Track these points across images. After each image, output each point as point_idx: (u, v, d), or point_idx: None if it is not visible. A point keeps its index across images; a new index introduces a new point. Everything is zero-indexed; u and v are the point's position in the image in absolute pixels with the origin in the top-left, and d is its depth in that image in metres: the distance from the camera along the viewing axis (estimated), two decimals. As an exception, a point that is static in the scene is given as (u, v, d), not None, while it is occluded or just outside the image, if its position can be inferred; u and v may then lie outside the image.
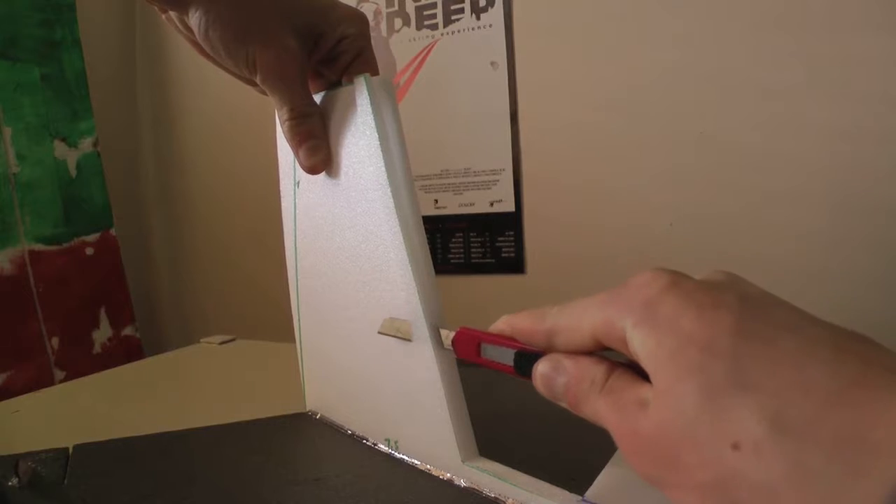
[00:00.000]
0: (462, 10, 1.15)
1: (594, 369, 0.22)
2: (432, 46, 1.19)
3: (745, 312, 0.19)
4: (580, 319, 0.23)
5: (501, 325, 0.27)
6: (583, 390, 0.22)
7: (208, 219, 1.57)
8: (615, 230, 1.06)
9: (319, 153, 0.35)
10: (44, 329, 1.27)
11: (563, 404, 0.24)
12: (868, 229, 0.89)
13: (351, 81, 0.34)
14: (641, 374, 0.21)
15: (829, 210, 0.91)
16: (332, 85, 0.37)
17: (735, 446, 0.17)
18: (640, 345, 0.20)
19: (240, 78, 0.36)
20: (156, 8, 0.34)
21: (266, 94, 0.35)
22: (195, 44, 0.35)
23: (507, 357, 0.26)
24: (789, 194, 0.93)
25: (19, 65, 1.26)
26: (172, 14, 0.34)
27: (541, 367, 0.24)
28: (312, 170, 0.35)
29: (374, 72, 0.36)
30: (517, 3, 1.11)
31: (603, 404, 0.22)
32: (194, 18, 0.32)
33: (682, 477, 0.18)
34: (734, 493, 0.17)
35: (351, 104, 0.33)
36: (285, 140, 0.36)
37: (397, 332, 0.33)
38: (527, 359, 0.25)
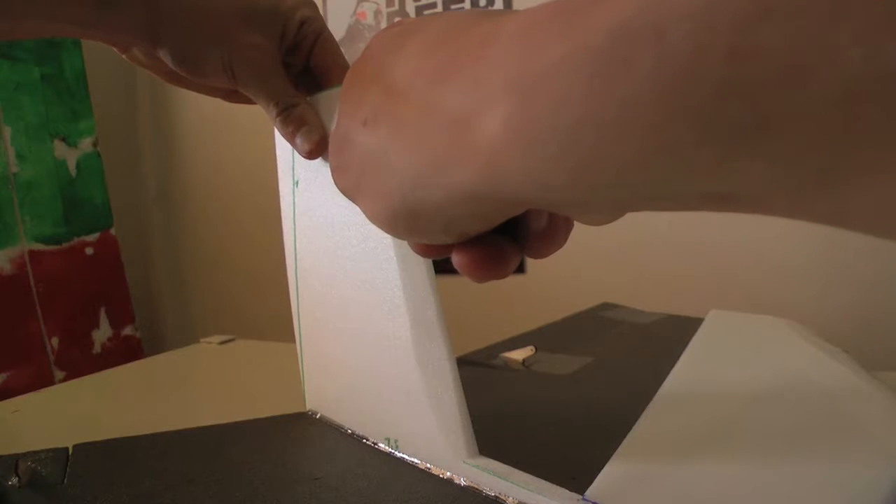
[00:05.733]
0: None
1: None
2: (432, 46, 1.19)
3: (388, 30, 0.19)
4: None
5: None
6: None
7: (208, 219, 1.57)
8: (615, 230, 1.05)
9: (314, 136, 0.35)
10: (44, 329, 1.27)
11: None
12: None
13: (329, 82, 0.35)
14: None
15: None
16: (304, 73, 0.37)
17: (364, 123, 0.17)
18: None
19: (221, 94, 0.36)
20: (115, 50, 0.34)
21: (249, 102, 0.35)
22: (166, 74, 0.35)
23: None
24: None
25: (19, 65, 1.26)
26: (136, 52, 0.34)
27: None
28: (311, 154, 0.36)
29: (337, 49, 0.37)
30: (517, 2, 1.11)
31: None
32: (163, 49, 0.32)
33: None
34: (365, 165, 0.17)
35: None
36: (282, 137, 0.36)
37: None
38: None
